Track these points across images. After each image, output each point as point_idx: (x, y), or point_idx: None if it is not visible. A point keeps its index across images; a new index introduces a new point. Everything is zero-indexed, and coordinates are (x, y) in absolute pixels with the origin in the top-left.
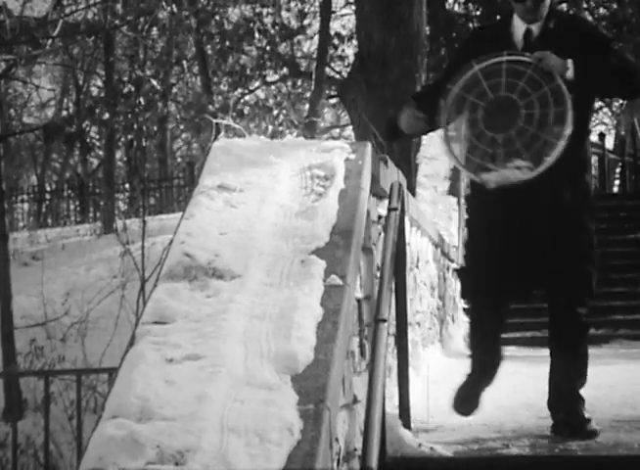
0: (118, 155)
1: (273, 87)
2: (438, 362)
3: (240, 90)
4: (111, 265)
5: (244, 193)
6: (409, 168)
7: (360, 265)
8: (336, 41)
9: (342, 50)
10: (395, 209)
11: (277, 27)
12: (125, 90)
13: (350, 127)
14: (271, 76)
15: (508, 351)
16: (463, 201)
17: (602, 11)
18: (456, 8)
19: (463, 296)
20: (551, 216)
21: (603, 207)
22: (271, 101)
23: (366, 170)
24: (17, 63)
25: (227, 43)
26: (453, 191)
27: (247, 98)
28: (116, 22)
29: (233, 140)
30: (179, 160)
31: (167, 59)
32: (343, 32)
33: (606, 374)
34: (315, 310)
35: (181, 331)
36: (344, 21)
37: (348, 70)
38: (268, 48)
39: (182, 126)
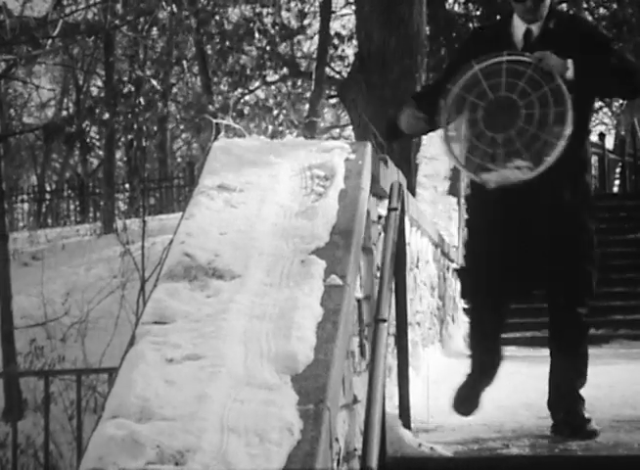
0: (118, 155)
1: (273, 87)
2: (438, 362)
3: (240, 90)
4: (111, 265)
5: (244, 193)
6: (409, 168)
7: (360, 265)
8: (336, 41)
9: (343, 50)
10: (395, 208)
11: (277, 27)
12: (125, 90)
13: (350, 127)
14: (271, 76)
15: (508, 351)
16: (463, 201)
17: (602, 11)
18: (456, 8)
19: (463, 296)
20: (551, 216)
21: (603, 207)
22: (271, 101)
23: (366, 170)
24: (17, 63)
25: (227, 43)
26: (453, 191)
27: (247, 98)
28: (116, 22)
29: (233, 140)
30: (179, 160)
31: (167, 59)
32: (343, 32)
33: (606, 374)
34: (315, 310)
35: (181, 331)
36: (344, 21)
37: (348, 70)
38: (268, 48)
39: (182, 126)
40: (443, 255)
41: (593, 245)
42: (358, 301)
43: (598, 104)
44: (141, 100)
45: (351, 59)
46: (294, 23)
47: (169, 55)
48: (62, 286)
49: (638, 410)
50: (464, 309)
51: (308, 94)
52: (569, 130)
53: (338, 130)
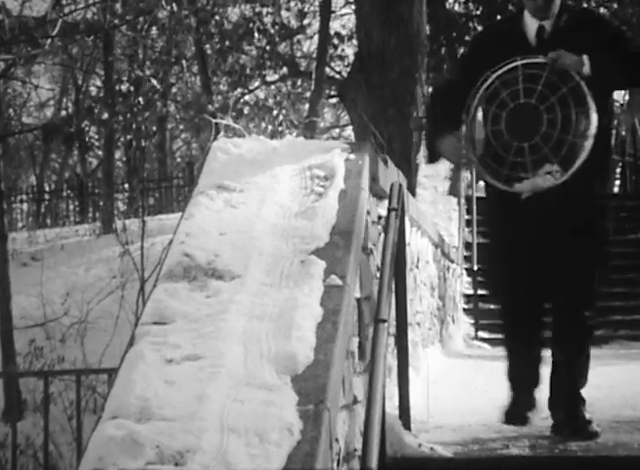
0: (118, 155)
1: (273, 87)
2: (439, 363)
3: (239, 90)
4: (110, 266)
5: (243, 193)
6: (409, 169)
7: (360, 266)
8: (335, 41)
9: (342, 50)
10: (395, 209)
11: (277, 27)
12: (124, 90)
13: (350, 127)
14: (271, 76)
15: None
16: (463, 201)
17: (602, 11)
18: (456, 7)
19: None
20: (571, 217)
21: None
22: (271, 101)
23: (366, 170)
24: (16, 62)
25: (227, 43)
26: (453, 191)
27: (246, 98)
28: (116, 21)
29: (232, 140)
30: (179, 160)
31: (167, 58)
32: (343, 32)
33: (606, 375)
34: (315, 311)
35: (181, 331)
36: (344, 20)
37: (348, 69)
38: (268, 48)
39: (181, 126)
40: (443, 255)
41: (607, 248)
42: (358, 301)
43: None
44: (140, 100)
45: (351, 58)
46: (293, 23)
47: (169, 54)
48: (61, 286)
49: (638, 411)
50: (464, 310)
51: (308, 94)
52: (594, 129)
53: (337, 130)
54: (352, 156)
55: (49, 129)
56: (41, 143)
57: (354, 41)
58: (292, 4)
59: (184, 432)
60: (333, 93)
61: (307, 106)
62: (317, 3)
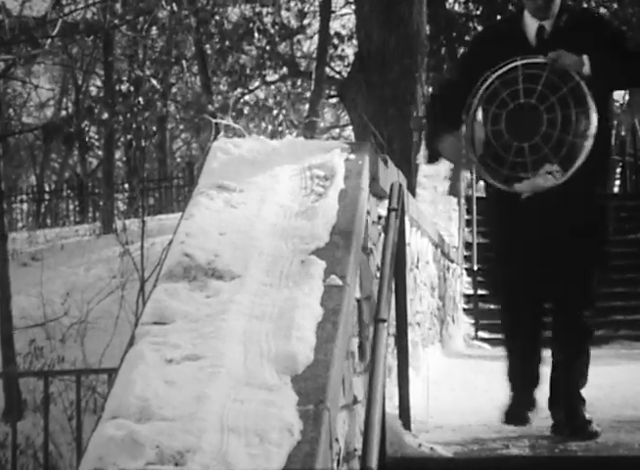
0: (118, 155)
1: (273, 87)
2: (438, 362)
3: (239, 90)
4: (110, 266)
5: (243, 193)
6: (409, 169)
7: (360, 266)
8: (335, 41)
9: (342, 50)
10: (395, 209)
11: (277, 27)
12: (124, 90)
13: (350, 127)
14: (271, 76)
15: None
16: (463, 201)
17: (602, 11)
18: (456, 7)
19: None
20: (572, 218)
21: None
22: (271, 101)
23: (366, 170)
24: (16, 62)
25: (227, 43)
26: (453, 191)
27: (246, 98)
28: (116, 21)
29: (232, 140)
30: (179, 160)
31: (167, 58)
32: (343, 32)
33: (606, 375)
34: (315, 311)
35: (181, 331)
36: (344, 20)
37: (348, 69)
38: (268, 48)
39: (181, 126)
40: (443, 255)
41: (608, 248)
42: (358, 301)
43: None
44: (140, 100)
45: (351, 58)
46: (293, 23)
47: (169, 54)
48: (61, 286)
49: (639, 411)
50: (464, 310)
51: (308, 94)
52: (593, 129)
53: (337, 130)
54: (352, 156)
55: (49, 129)
56: (41, 143)
57: (354, 41)
58: (292, 4)
59: (184, 432)
60: (333, 93)
61: (307, 106)
62: (317, 3)
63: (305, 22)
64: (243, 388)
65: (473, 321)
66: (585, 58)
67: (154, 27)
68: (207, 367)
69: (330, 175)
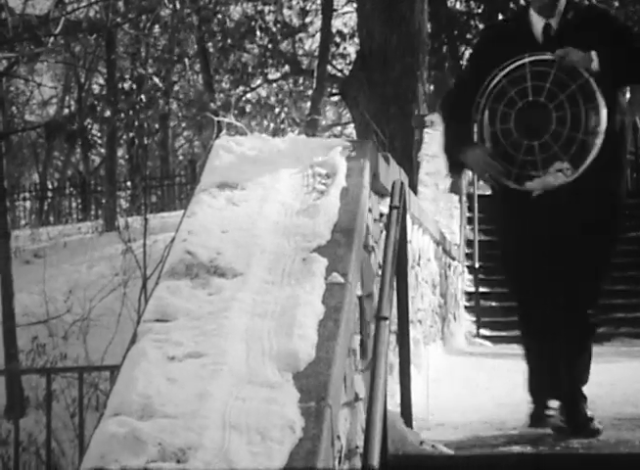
0: (120, 152)
1: (275, 85)
2: (440, 360)
3: (241, 88)
4: (112, 263)
5: (245, 191)
6: (411, 166)
7: (362, 263)
8: (337, 39)
9: (344, 48)
10: (397, 206)
11: (279, 25)
12: (127, 88)
13: (352, 125)
14: (273, 74)
15: (509, 348)
16: (465, 199)
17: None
18: (458, 6)
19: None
20: (584, 216)
21: None
22: (273, 99)
23: (368, 168)
24: (19, 60)
25: (229, 41)
26: (455, 189)
27: (248, 96)
28: (118, 19)
29: (235, 138)
30: (181, 157)
31: (169, 56)
32: (345, 30)
33: (607, 372)
34: (317, 308)
35: (183, 329)
36: (346, 18)
37: (350, 67)
38: (270, 46)
39: (184, 124)
40: (445, 252)
41: (616, 245)
42: (360, 298)
43: None
44: (142, 98)
45: (353, 57)
46: (295, 21)
47: (171, 53)
48: (64, 284)
49: (639, 408)
50: (465, 307)
51: (310, 92)
52: (604, 125)
53: (339, 128)
54: (354, 154)
55: (52, 127)
56: (44, 141)
57: (356, 39)
58: (293, 2)
59: (186, 429)
60: (335, 91)
61: (309, 104)
62: (319, 1)
63: (307, 20)
64: (245, 385)
65: (474, 319)
66: (594, 54)
67: (156, 26)
68: (210, 365)
69: (332, 173)
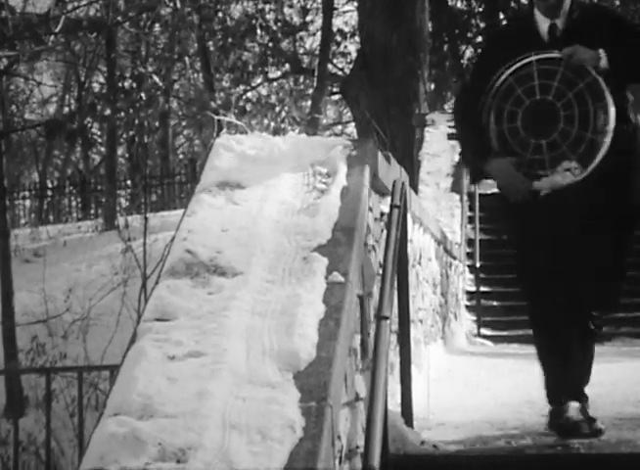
0: (120, 151)
1: (275, 84)
2: (441, 360)
3: (242, 87)
4: (112, 262)
5: (246, 190)
6: (412, 165)
7: (362, 263)
8: (338, 38)
9: (345, 47)
10: (398, 206)
11: (279, 24)
12: (127, 86)
13: (353, 124)
14: (273, 73)
15: (511, 348)
16: (466, 198)
17: None
18: (459, 4)
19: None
20: (594, 217)
21: None
22: (273, 98)
23: (368, 167)
24: (19, 59)
25: (229, 39)
26: (456, 188)
27: (249, 95)
28: (118, 18)
29: (235, 137)
30: (181, 156)
31: (169, 55)
32: (346, 29)
33: (608, 372)
34: (317, 307)
35: (183, 328)
36: (347, 17)
37: (351, 66)
38: (270, 44)
39: (184, 123)
40: (446, 252)
41: (627, 246)
42: (360, 298)
43: None
44: (142, 96)
45: (354, 55)
46: (296, 20)
47: (171, 51)
48: (63, 283)
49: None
50: (466, 307)
51: (310, 91)
52: (612, 125)
53: (340, 127)
54: (355, 153)
55: (52, 126)
56: (44, 139)
57: (357, 38)
58: (294, 0)
59: (186, 429)
60: (335, 90)
61: (310, 103)
62: (320, 0)
63: (308, 18)
64: (245, 385)
65: (475, 318)
66: (602, 52)
67: (156, 24)
68: (210, 364)
69: (332, 172)
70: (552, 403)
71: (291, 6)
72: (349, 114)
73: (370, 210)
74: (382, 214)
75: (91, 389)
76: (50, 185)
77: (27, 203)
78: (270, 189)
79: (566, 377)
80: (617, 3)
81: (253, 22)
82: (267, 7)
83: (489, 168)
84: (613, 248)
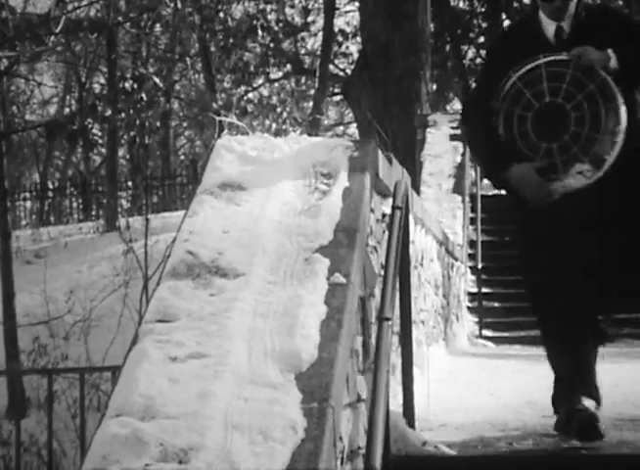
0: (121, 152)
1: (277, 84)
2: (443, 361)
3: (243, 87)
4: (113, 263)
5: (247, 191)
6: (413, 166)
7: (364, 264)
8: (340, 38)
9: (346, 47)
10: (400, 207)
11: (281, 24)
12: (128, 87)
13: (354, 125)
14: (275, 74)
15: (512, 349)
16: (468, 199)
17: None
18: (461, 4)
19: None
20: (605, 219)
21: None
22: (275, 98)
23: (370, 169)
24: (19, 60)
25: (230, 40)
26: (458, 189)
27: (250, 95)
28: (119, 18)
29: (236, 138)
30: (182, 157)
31: (170, 56)
32: (348, 29)
33: (609, 373)
34: (319, 309)
35: (185, 329)
36: (349, 17)
37: (352, 67)
38: (272, 45)
39: (185, 124)
40: (448, 253)
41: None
42: (362, 299)
43: None
44: (143, 97)
45: (355, 56)
46: (297, 20)
47: (172, 52)
48: (65, 284)
49: None
50: (468, 308)
51: (312, 91)
52: (624, 125)
53: (342, 128)
54: (356, 154)
55: (52, 127)
56: (44, 140)
57: (358, 38)
58: (296, 1)
59: (188, 430)
60: (337, 91)
61: (311, 103)
62: (321, 0)
63: (309, 19)
64: (247, 386)
65: (477, 320)
66: (611, 52)
67: (157, 25)
68: (211, 365)
69: (334, 173)
70: (564, 403)
71: (292, 6)
72: (351, 114)
73: (372, 211)
74: (383, 216)
75: (93, 390)
76: (51, 186)
77: (28, 204)
78: (272, 190)
79: (581, 376)
80: (620, 2)
81: (255, 22)
82: (269, 7)
83: (510, 175)
84: (630, 243)
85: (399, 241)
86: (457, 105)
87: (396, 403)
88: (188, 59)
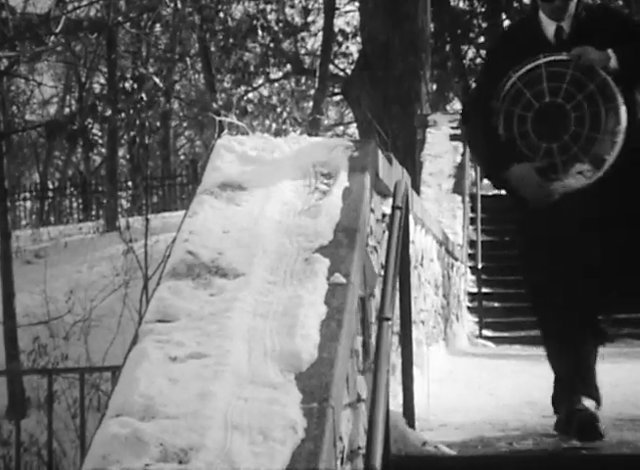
0: (121, 152)
1: (277, 84)
2: (443, 361)
3: (243, 87)
4: (114, 263)
5: (247, 191)
6: (413, 166)
7: (364, 264)
8: (340, 38)
9: (347, 47)
10: (400, 207)
11: (281, 24)
12: (128, 87)
13: (354, 125)
14: (275, 74)
15: (512, 349)
16: (468, 199)
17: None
18: (461, 4)
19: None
20: (604, 219)
21: None
22: (275, 98)
23: (370, 168)
24: (19, 60)
25: (230, 40)
26: (458, 189)
27: (250, 95)
28: (119, 18)
29: (236, 138)
30: (182, 157)
31: (170, 56)
32: (348, 29)
33: (609, 373)
34: (319, 309)
35: (185, 329)
36: (349, 17)
37: (352, 67)
38: (272, 45)
39: (185, 124)
40: (448, 253)
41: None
42: (362, 299)
43: None
44: (143, 97)
45: (355, 56)
46: (297, 20)
47: (172, 52)
48: (65, 284)
49: None
50: (468, 308)
51: (312, 91)
52: (624, 125)
53: (342, 128)
54: (356, 154)
55: (52, 127)
56: (44, 140)
57: (358, 38)
58: (296, 1)
59: (188, 430)
60: (337, 91)
61: (311, 103)
62: (321, 0)
63: (309, 19)
64: (247, 386)
65: (477, 320)
66: (611, 52)
67: (157, 25)
68: (211, 365)
69: (334, 173)
70: (564, 403)
71: (292, 6)
72: (351, 114)
73: (372, 211)
74: (383, 216)
75: (93, 390)
76: (51, 186)
77: (28, 204)
78: (272, 190)
79: (581, 376)
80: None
81: (255, 22)
82: (269, 7)
83: (510, 175)
84: (630, 243)
85: (399, 241)
86: (457, 105)
87: (396, 403)
88: (188, 59)
